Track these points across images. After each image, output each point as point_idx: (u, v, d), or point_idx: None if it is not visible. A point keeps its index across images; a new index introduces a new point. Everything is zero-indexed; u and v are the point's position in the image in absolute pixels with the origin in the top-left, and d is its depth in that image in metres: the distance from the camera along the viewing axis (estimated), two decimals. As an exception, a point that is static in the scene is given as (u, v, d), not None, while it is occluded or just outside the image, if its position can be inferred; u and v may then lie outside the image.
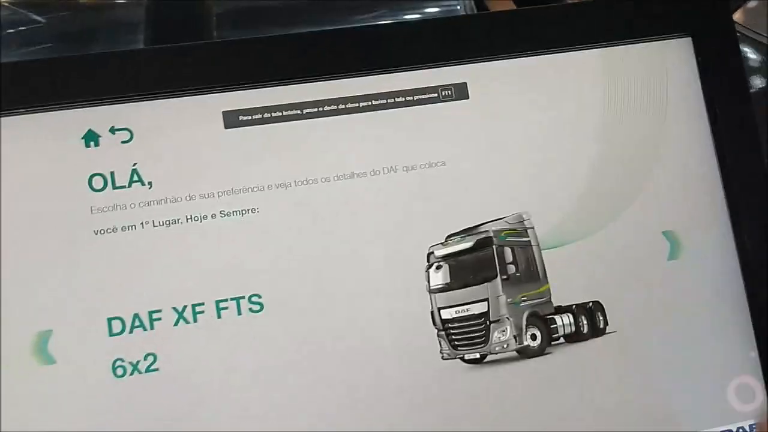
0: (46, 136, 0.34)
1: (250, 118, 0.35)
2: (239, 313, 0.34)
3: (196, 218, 0.34)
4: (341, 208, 0.35)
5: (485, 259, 0.36)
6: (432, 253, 0.35)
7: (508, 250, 0.36)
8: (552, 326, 0.36)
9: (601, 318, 0.36)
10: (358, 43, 0.37)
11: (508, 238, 0.36)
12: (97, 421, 0.32)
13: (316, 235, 0.35)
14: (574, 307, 0.36)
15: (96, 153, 0.34)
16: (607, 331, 0.36)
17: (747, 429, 0.36)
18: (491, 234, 0.36)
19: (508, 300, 0.36)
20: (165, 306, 0.33)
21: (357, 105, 0.36)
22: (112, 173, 0.34)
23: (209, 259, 0.34)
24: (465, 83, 0.37)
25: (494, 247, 0.36)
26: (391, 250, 0.35)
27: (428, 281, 0.35)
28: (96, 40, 0.58)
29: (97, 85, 0.34)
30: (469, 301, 0.36)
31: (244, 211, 0.35)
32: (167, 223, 0.34)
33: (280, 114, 0.35)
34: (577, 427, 0.35)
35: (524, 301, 0.36)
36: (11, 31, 0.55)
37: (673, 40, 0.38)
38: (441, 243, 0.36)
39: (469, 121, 0.37)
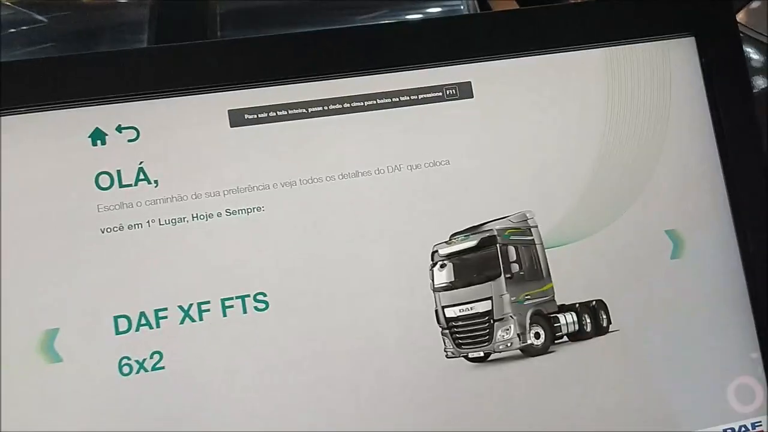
0: (53, 135, 0.34)
1: (255, 116, 0.35)
2: (245, 312, 0.34)
3: (201, 217, 0.34)
4: (346, 207, 0.35)
5: (489, 257, 0.36)
6: (436, 251, 0.36)
7: (512, 249, 0.37)
8: (555, 325, 0.36)
9: (604, 316, 0.36)
10: (363, 43, 0.37)
11: (512, 237, 0.36)
12: (104, 418, 0.32)
13: (321, 234, 0.35)
14: (577, 305, 0.36)
15: (103, 151, 0.34)
16: (610, 330, 0.36)
17: (749, 427, 0.36)
18: (495, 233, 0.36)
19: (512, 298, 0.36)
20: (171, 304, 0.34)
21: (362, 104, 0.36)
22: (118, 171, 0.34)
23: (215, 258, 0.34)
24: (469, 82, 0.37)
25: (498, 245, 0.36)
26: (395, 249, 0.35)
27: (432, 280, 0.35)
28: (99, 40, 0.58)
29: (104, 83, 0.34)
30: (473, 299, 0.36)
31: (249, 210, 0.35)
32: (173, 221, 0.34)
33: (285, 113, 0.36)
34: (580, 425, 0.35)
35: (528, 299, 0.37)
36: (13, 30, 0.55)
37: (676, 39, 0.38)
38: (445, 242, 0.36)
39: (473, 120, 0.37)
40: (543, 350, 0.36)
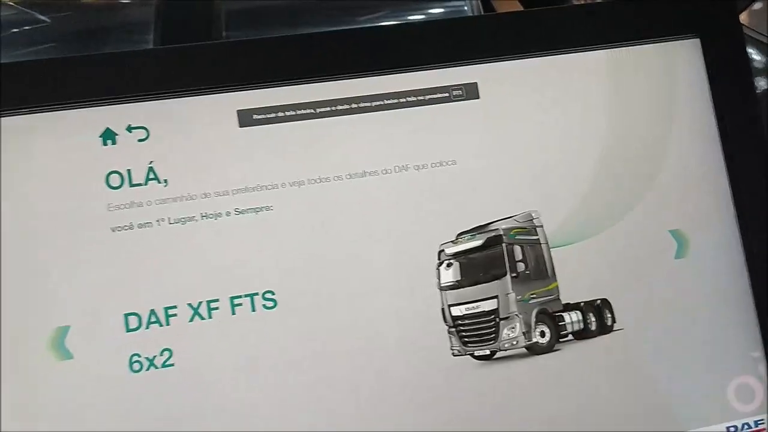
0: (65, 135, 0.34)
1: (264, 117, 0.36)
2: (253, 310, 0.34)
3: (210, 216, 0.35)
4: (353, 206, 0.36)
5: (495, 257, 0.37)
6: (443, 251, 0.36)
7: (517, 248, 0.37)
8: (560, 323, 0.37)
9: (608, 315, 0.37)
10: (370, 44, 0.37)
11: (518, 237, 0.37)
12: (114, 415, 0.33)
13: (329, 233, 0.35)
14: (582, 304, 0.37)
15: (113, 151, 0.35)
16: (614, 329, 0.37)
17: (752, 425, 0.37)
18: (501, 232, 0.37)
19: (518, 297, 0.37)
20: (180, 302, 0.34)
21: (369, 104, 0.36)
22: (128, 171, 0.35)
23: (224, 256, 0.35)
24: (476, 83, 0.37)
25: (504, 245, 0.37)
26: (402, 248, 0.36)
27: (439, 279, 0.36)
28: (102, 41, 0.58)
29: (114, 84, 0.35)
30: (479, 298, 0.37)
31: (258, 209, 0.35)
32: (183, 220, 0.35)
33: (294, 113, 0.36)
34: (585, 422, 0.36)
35: (533, 298, 0.37)
36: (15, 30, 0.56)
37: (681, 41, 0.39)
38: (451, 241, 0.36)
39: (479, 121, 0.37)
40: (548, 348, 0.36)
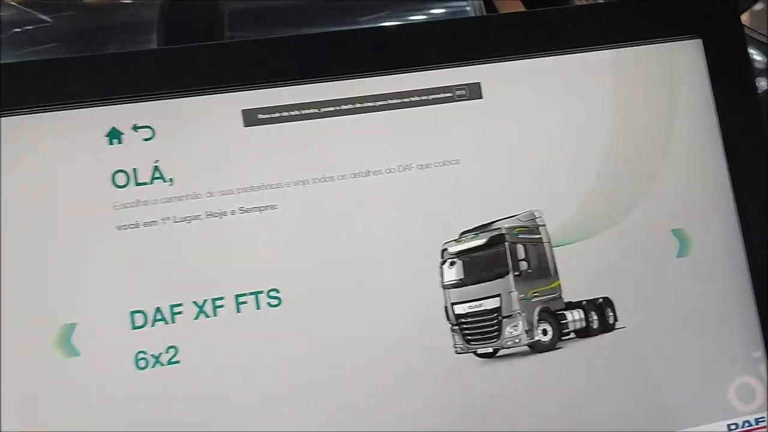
0: (71, 134, 0.34)
1: (268, 116, 0.36)
2: (258, 308, 0.35)
3: (216, 214, 0.35)
4: (357, 205, 0.36)
5: (498, 255, 0.37)
6: (446, 249, 0.36)
7: (520, 247, 0.37)
8: (563, 321, 0.37)
9: (611, 313, 0.37)
10: (374, 44, 0.37)
11: (521, 235, 0.37)
12: (120, 412, 0.33)
13: (333, 231, 0.36)
14: (584, 303, 0.37)
15: (119, 150, 0.35)
16: (616, 327, 0.37)
17: (753, 422, 0.37)
18: (504, 231, 0.37)
19: (520, 296, 0.37)
20: (186, 300, 0.34)
21: (373, 104, 0.37)
22: (134, 170, 0.35)
23: (229, 255, 0.35)
24: (479, 83, 0.38)
25: (507, 244, 0.37)
26: (405, 247, 0.36)
27: (442, 277, 0.36)
28: (105, 41, 0.58)
29: (120, 84, 0.35)
30: (482, 296, 0.37)
31: (262, 208, 0.35)
32: (188, 219, 0.35)
33: (298, 113, 0.36)
34: (586, 420, 0.36)
35: (536, 296, 0.37)
36: (17, 30, 0.56)
37: (683, 41, 0.39)
38: (455, 240, 0.36)
39: (482, 121, 0.37)
40: (550, 346, 0.37)
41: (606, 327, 0.37)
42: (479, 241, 0.37)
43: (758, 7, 0.58)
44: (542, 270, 0.37)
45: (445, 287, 0.36)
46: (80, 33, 0.57)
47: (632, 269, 0.37)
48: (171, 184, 0.35)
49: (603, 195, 0.38)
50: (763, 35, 0.56)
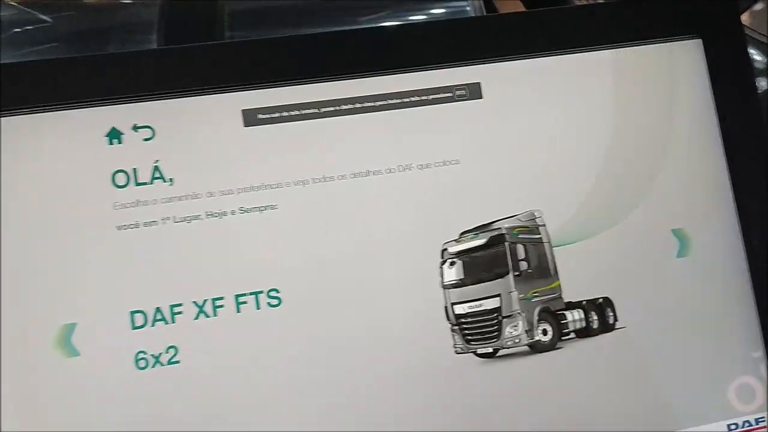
0: (71, 134, 0.34)
1: (268, 116, 0.36)
2: (258, 308, 0.35)
3: (216, 214, 0.35)
4: (357, 205, 0.36)
5: (498, 255, 0.37)
6: (446, 249, 0.36)
7: (520, 247, 0.37)
8: (563, 321, 0.37)
9: (611, 314, 0.37)
10: (374, 44, 0.37)
11: (521, 236, 0.37)
12: (121, 412, 0.33)
13: (333, 231, 0.36)
14: (584, 302, 0.37)
15: (119, 150, 0.35)
16: (616, 327, 0.37)
17: (753, 422, 0.37)
18: (504, 231, 0.37)
19: (520, 296, 0.37)
20: (186, 300, 0.34)
21: (373, 104, 0.37)
22: (134, 170, 0.35)
23: (228, 255, 0.35)
24: (479, 83, 0.38)
25: (507, 244, 0.37)
26: (405, 247, 0.36)
27: (442, 277, 0.36)
28: (104, 41, 0.58)
29: (120, 83, 0.35)
30: (482, 296, 0.37)
31: (262, 208, 0.35)
32: (188, 219, 0.35)
33: (298, 113, 0.36)
34: (586, 419, 0.36)
35: (536, 296, 0.37)
36: (17, 30, 0.56)
37: (683, 42, 0.39)
38: (455, 240, 0.36)
39: (482, 121, 0.37)
40: (550, 346, 0.37)
41: (606, 327, 0.37)
42: (479, 241, 0.37)
43: (758, 7, 0.59)
44: (542, 270, 0.37)
45: (445, 287, 0.36)
46: (80, 33, 0.57)
47: (632, 269, 0.37)
48: (171, 184, 0.35)
49: (603, 195, 0.38)
50: (763, 35, 0.56)
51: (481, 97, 0.38)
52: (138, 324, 0.34)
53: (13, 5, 0.56)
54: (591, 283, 0.37)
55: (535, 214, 0.37)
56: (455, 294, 0.36)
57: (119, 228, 0.34)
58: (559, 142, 0.38)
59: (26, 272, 0.33)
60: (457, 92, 0.37)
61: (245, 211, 0.35)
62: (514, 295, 0.37)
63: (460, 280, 0.37)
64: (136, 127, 0.35)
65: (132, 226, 0.34)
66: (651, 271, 0.37)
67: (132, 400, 0.33)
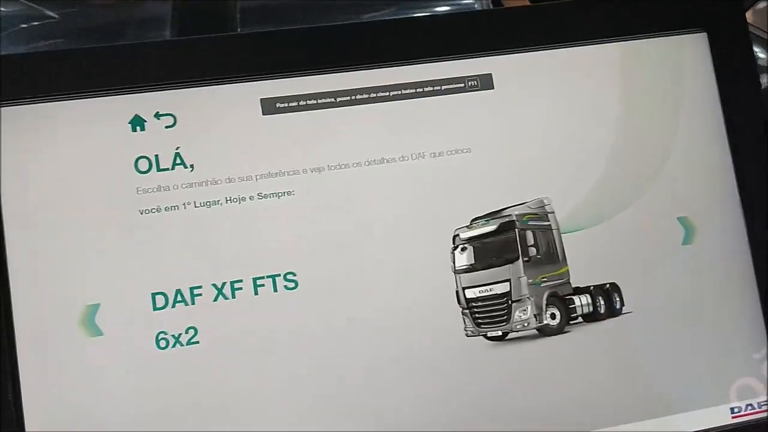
0: (96, 121, 0.36)
1: (286, 105, 0.37)
2: (275, 290, 0.36)
3: (235, 200, 0.36)
4: (371, 192, 0.37)
5: (508, 241, 0.38)
6: (457, 235, 0.37)
7: (529, 234, 0.38)
8: (571, 306, 0.38)
9: (617, 299, 0.38)
10: (389, 35, 0.38)
11: (530, 222, 0.38)
12: (142, 390, 0.34)
13: (348, 217, 0.37)
14: (591, 288, 0.38)
15: (142, 137, 0.36)
16: (623, 312, 0.38)
17: (755, 406, 0.38)
18: (514, 218, 0.38)
19: (529, 281, 0.38)
20: (205, 282, 0.35)
21: (388, 94, 0.38)
22: (156, 156, 0.36)
23: (247, 239, 0.36)
24: (490, 74, 0.39)
25: (517, 230, 0.38)
26: (418, 232, 0.37)
27: (453, 262, 0.37)
28: (112, 37, 0.59)
29: (143, 73, 0.36)
30: (492, 281, 0.38)
31: (280, 194, 0.36)
32: (208, 204, 0.36)
33: (315, 102, 0.37)
34: (592, 403, 0.37)
35: (544, 281, 0.38)
36: (24, 26, 0.56)
37: (689, 35, 0.40)
38: (466, 226, 0.37)
39: (493, 110, 0.38)
40: (558, 330, 0.38)
41: (613, 312, 0.38)
42: (490, 228, 0.38)
43: (761, 5, 0.59)
44: (551, 256, 0.38)
45: (456, 272, 0.37)
46: (87, 30, 0.58)
47: (639, 256, 0.38)
48: (192, 170, 0.36)
49: (610, 183, 0.39)
50: (766, 32, 0.57)
51: (492, 88, 0.39)
52: (159, 305, 0.35)
53: (19, 0, 0.57)
54: (598, 268, 0.38)
55: (545, 201, 0.38)
56: (466, 278, 0.37)
57: (141, 212, 0.35)
58: (567, 132, 0.39)
59: (51, 254, 0.34)
60: (469, 83, 0.38)
61: (263, 197, 0.36)
62: (524, 280, 0.38)
63: (471, 265, 0.38)
64: (158, 115, 0.36)
65: (154, 211, 0.35)
66: (657, 258, 0.38)
67: (153, 379, 0.34)
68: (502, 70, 0.39)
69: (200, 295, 0.35)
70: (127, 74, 0.36)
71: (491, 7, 0.56)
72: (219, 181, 0.36)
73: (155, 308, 0.35)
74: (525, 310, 0.38)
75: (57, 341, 0.34)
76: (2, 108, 0.35)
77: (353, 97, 0.37)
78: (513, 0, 0.58)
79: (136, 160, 0.36)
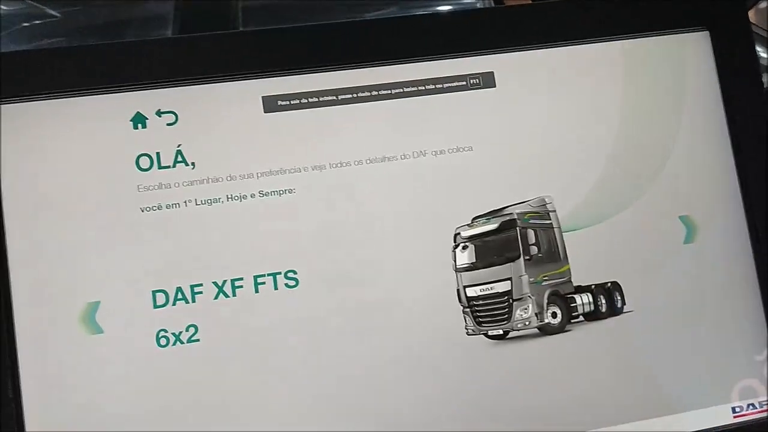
0: (98, 118, 0.36)
1: (288, 103, 0.37)
2: (276, 288, 0.36)
3: (236, 197, 0.36)
4: (373, 190, 0.37)
5: (509, 240, 0.38)
6: (459, 233, 0.37)
7: (531, 232, 0.38)
8: (572, 305, 0.38)
9: (619, 297, 0.38)
10: (391, 33, 0.38)
11: (531, 221, 0.38)
12: (142, 388, 0.34)
13: (349, 215, 0.37)
14: (593, 287, 0.38)
15: (143, 134, 0.36)
16: (624, 311, 0.38)
17: (756, 405, 0.38)
18: (515, 216, 0.38)
19: (531, 279, 0.38)
20: (206, 280, 0.35)
21: (389, 92, 0.38)
22: (158, 154, 0.36)
23: (248, 237, 0.36)
24: (492, 72, 0.39)
25: (518, 228, 0.38)
26: (419, 231, 0.37)
27: (455, 260, 0.37)
28: (114, 36, 0.59)
29: (145, 70, 0.36)
30: (494, 279, 0.38)
31: (281, 192, 0.36)
32: (209, 201, 0.36)
33: (317, 100, 0.37)
34: (593, 402, 0.37)
35: (546, 280, 0.38)
36: (26, 24, 0.56)
37: (691, 33, 0.40)
38: (467, 224, 0.37)
39: (495, 109, 0.38)
40: (559, 329, 0.38)
41: (614, 311, 0.38)
42: (491, 226, 0.38)
43: (763, 5, 0.59)
44: (552, 254, 0.38)
45: (457, 270, 0.37)
46: (88, 28, 0.58)
47: (640, 254, 0.38)
48: (193, 168, 0.36)
49: (612, 182, 0.39)
50: (766, 31, 0.57)
51: (494, 86, 0.39)
52: (160, 303, 0.35)
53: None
54: (600, 267, 0.38)
55: (546, 199, 0.38)
56: (467, 277, 0.37)
57: (143, 210, 0.35)
58: (569, 131, 0.39)
59: (52, 252, 0.34)
60: (471, 81, 0.38)
61: (264, 195, 0.36)
62: (525, 278, 0.38)
63: (472, 263, 0.38)
64: (160, 112, 0.36)
65: (155, 208, 0.35)
66: (658, 257, 0.38)
67: (153, 376, 0.34)
68: (503, 69, 0.39)
69: (201, 293, 0.35)
70: (129, 72, 0.36)
71: (493, 5, 0.56)
72: (220, 179, 0.36)
73: (156, 306, 0.35)
74: (526, 309, 0.38)
75: (57, 339, 0.34)
76: (3, 105, 0.35)
77: (355, 95, 0.37)
78: (514, -1, 0.58)
79: (138, 158, 0.36)
